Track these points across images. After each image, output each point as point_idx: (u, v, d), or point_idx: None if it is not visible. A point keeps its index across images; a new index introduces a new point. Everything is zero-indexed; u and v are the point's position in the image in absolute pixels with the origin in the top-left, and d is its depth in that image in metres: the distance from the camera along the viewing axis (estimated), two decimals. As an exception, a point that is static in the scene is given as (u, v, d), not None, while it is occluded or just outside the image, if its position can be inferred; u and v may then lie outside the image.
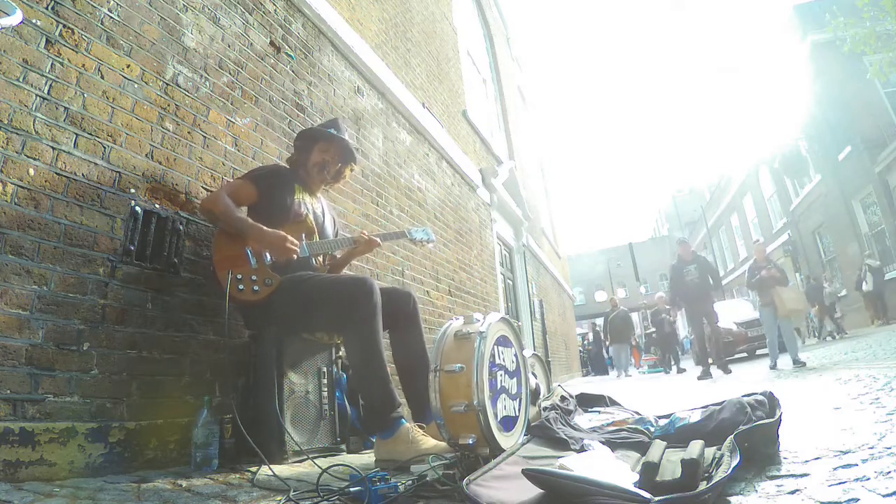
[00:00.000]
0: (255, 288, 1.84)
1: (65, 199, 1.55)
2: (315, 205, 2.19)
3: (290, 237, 1.88)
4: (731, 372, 6.08)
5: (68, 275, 1.52)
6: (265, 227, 1.87)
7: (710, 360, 6.54)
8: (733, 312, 10.79)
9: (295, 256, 1.90)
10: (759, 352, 10.37)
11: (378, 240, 2.20)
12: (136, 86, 1.85)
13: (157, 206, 1.85)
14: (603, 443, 1.59)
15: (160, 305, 1.80)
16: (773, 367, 5.65)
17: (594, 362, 15.57)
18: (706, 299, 6.67)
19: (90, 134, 1.66)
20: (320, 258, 2.19)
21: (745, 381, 4.83)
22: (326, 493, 1.27)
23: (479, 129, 6.87)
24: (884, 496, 0.94)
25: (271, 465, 1.56)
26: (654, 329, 12.17)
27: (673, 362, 10.81)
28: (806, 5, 13.57)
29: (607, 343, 12.44)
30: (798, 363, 5.25)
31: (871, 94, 11.94)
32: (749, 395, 1.80)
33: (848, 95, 12.21)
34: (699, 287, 6.64)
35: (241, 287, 1.82)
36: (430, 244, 2.42)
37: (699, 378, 6.11)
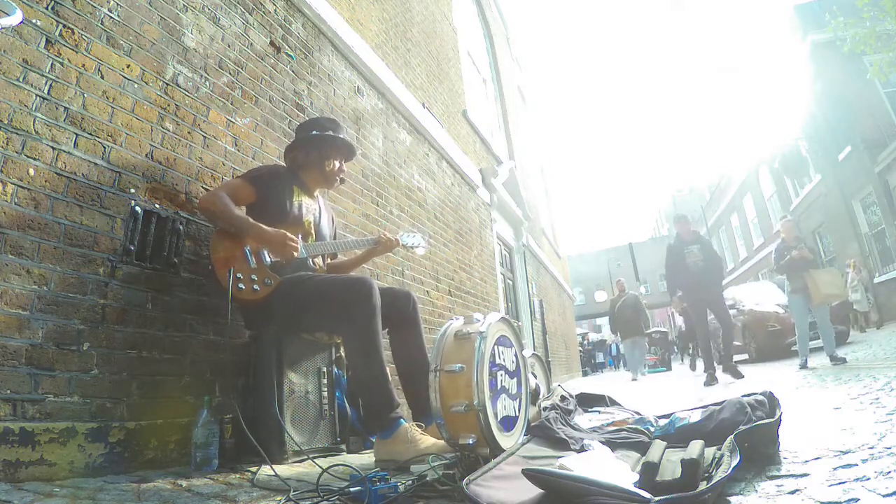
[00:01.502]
0: (255, 287, 1.84)
1: (65, 199, 1.55)
2: (313, 206, 2.19)
3: (290, 235, 1.89)
4: (742, 376, 4.86)
5: (68, 275, 1.52)
6: (265, 226, 1.88)
7: (716, 363, 5.46)
8: (771, 295, 8.86)
9: (295, 254, 1.90)
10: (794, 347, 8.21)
11: (398, 240, 2.28)
12: (136, 86, 1.85)
13: (157, 206, 1.85)
14: (603, 443, 1.59)
15: (160, 305, 1.79)
16: (804, 365, 4.70)
17: None
18: (713, 285, 5.31)
19: (90, 134, 1.66)
20: (318, 259, 2.19)
21: (752, 382, 4.80)
22: (326, 493, 1.27)
23: (479, 129, 6.87)
24: (884, 496, 0.94)
25: (271, 466, 1.56)
26: (657, 329, 11.68)
27: (691, 357, 9.13)
28: (806, 5, 13.56)
29: (616, 337, 10.97)
30: (836, 360, 4.52)
31: (871, 94, 11.92)
32: (749, 395, 1.80)
33: (848, 95, 12.20)
34: (704, 271, 5.25)
35: (241, 286, 1.82)
36: (420, 250, 2.40)
37: (706, 384, 4.93)
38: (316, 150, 2.17)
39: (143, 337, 1.71)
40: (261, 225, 1.87)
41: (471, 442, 1.43)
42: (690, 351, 9.49)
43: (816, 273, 4.85)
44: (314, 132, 2.19)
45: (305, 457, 1.76)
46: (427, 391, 1.51)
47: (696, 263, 5.30)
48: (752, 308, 8.37)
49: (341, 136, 2.24)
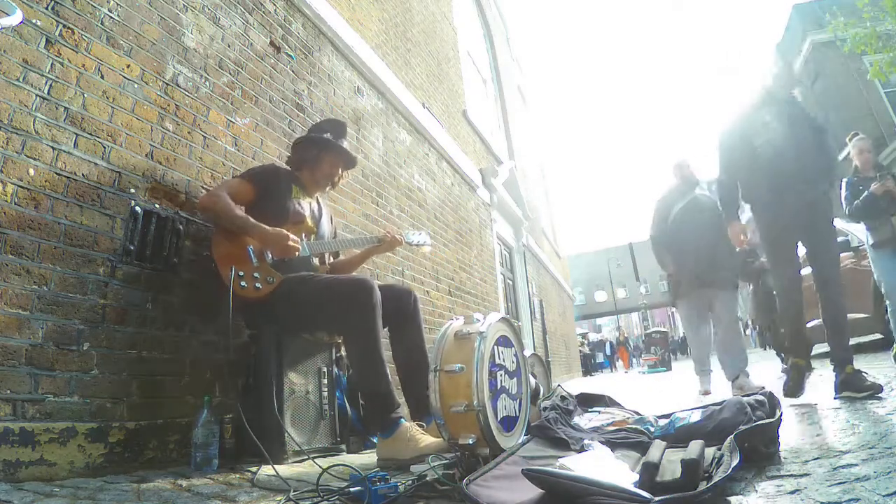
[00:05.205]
0: (257, 285, 1.84)
1: (65, 199, 1.55)
2: (312, 205, 2.21)
3: (291, 235, 1.90)
4: (881, 388, 2.23)
5: (68, 275, 1.52)
6: (266, 226, 1.88)
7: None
8: None
9: (296, 254, 1.91)
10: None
11: (402, 238, 2.29)
12: (136, 86, 1.85)
13: (157, 206, 1.85)
14: (603, 443, 1.59)
15: (160, 305, 1.79)
16: None
17: None
18: (814, 183, 2.48)
19: (90, 134, 1.66)
20: (320, 258, 2.20)
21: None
22: (326, 493, 1.27)
23: (479, 129, 6.87)
24: (884, 496, 0.94)
25: (273, 465, 1.56)
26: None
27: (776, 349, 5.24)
28: (806, 5, 13.57)
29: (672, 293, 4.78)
30: None
31: (871, 94, 11.94)
32: (749, 395, 1.80)
33: (848, 95, 12.21)
34: (789, 157, 2.48)
35: (243, 284, 1.82)
36: (426, 247, 2.43)
37: (787, 392, 2.50)
38: (314, 155, 2.19)
39: (143, 337, 1.71)
40: (261, 225, 1.88)
41: (471, 442, 1.43)
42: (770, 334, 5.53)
43: None
44: (313, 134, 2.24)
45: (305, 457, 1.76)
46: (427, 388, 1.51)
47: (770, 146, 2.52)
48: None
49: (343, 143, 2.25)
